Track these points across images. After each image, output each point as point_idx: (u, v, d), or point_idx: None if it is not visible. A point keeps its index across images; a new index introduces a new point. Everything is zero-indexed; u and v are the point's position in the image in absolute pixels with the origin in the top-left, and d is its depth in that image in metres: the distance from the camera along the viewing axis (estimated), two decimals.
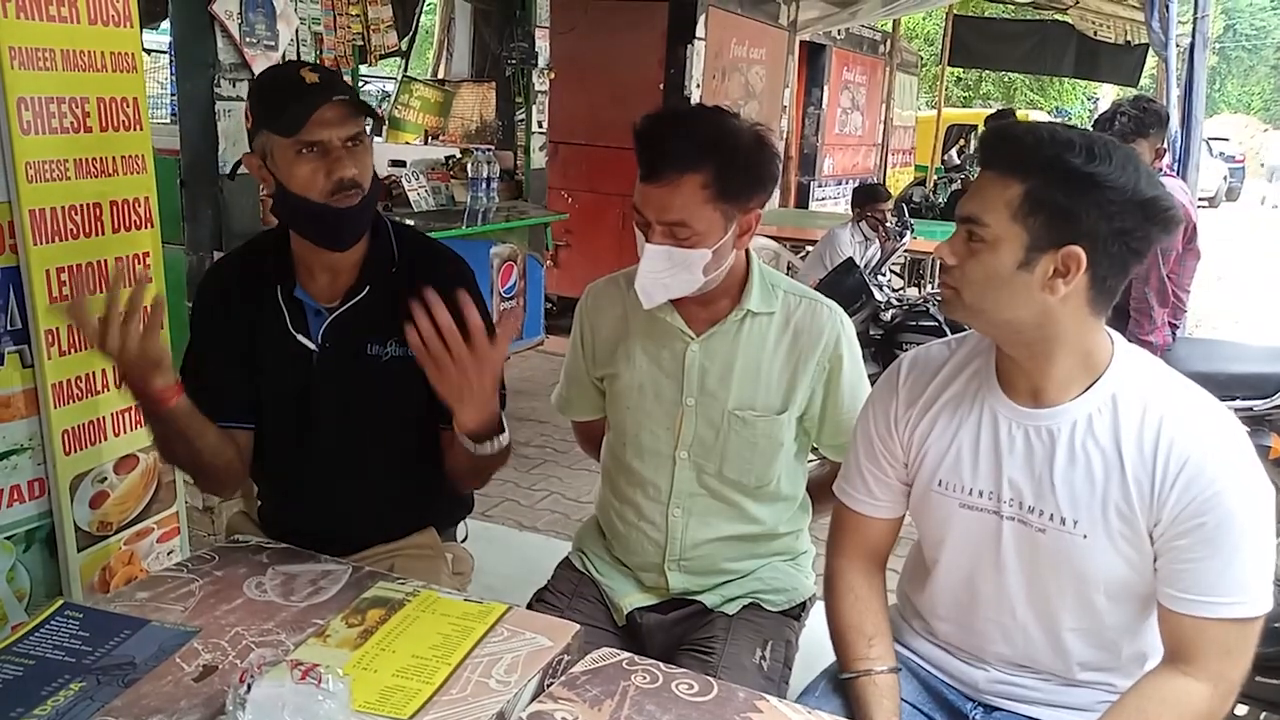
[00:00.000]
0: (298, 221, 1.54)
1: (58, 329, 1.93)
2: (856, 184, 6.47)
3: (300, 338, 1.58)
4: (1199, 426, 1.18)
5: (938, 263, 1.27)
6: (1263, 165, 24.77)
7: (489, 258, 4.64)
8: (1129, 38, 8.88)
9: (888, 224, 5.22)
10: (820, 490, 1.75)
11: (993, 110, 12.05)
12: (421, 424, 1.62)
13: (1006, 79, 20.12)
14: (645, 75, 6.48)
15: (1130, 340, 1.28)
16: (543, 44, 5.04)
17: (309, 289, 1.59)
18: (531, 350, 5.15)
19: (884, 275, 5.09)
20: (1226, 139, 23.70)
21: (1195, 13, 4.71)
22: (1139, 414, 1.20)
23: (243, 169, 1.59)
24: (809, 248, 6.32)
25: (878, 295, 4.67)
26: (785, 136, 8.46)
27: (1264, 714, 2.04)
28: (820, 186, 9.70)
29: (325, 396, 1.60)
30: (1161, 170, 3.59)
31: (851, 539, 1.46)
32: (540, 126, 5.18)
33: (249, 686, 1.03)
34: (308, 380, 1.59)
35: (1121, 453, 1.20)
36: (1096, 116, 3.63)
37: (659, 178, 1.45)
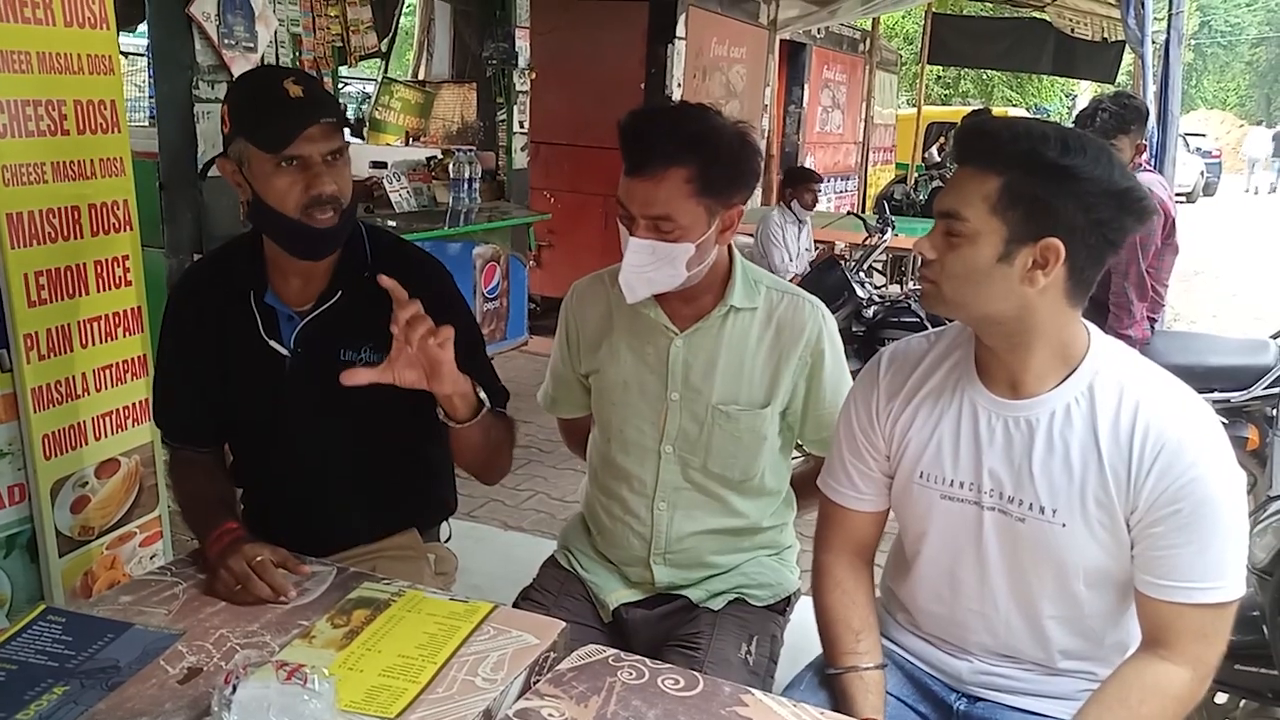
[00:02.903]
0: (272, 232, 1.53)
1: (37, 333, 1.92)
2: (788, 168, 6.70)
3: (272, 343, 1.57)
4: (1174, 414, 1.20)
5: (918, 259, 1.28)
6: (1243, 157, 25.08)
7: (472, 258, 4.63)
8: (1106, 35, 8.95)
9: (876, 251, 5.35)
10: (804, 485, 1.76)
11: (971, 109, 12.12)
12: (398, 428, 1.62)
13: (985, 77, 20.23)
14: (626, 75, 6.47)
15: (1109, 334, 1.30)
16: (523, 44, 5.03)
17: (281, 293, 1.58)
18: (515, 350, 5.15)
19: (865, 273, 5.13)
20: (1203, 135, 23.95)
21: (1170, 9, 4.75)
22: (1115, 403, 1.22)
23: (214, 170, 1.58)
24: None
25: (860, 292, 4.70)
26: (766, 135, 8.48)
27: (1243, 701, 2.07)
28: None
29: (299, 402, 1.58)
30: (1140, 166, 3.62)
31: (838, 533, 1.46)
32: (522, 127, 5.17)
33: (234, 687, 1.03)
34: (281, 386, 1.58)
35: (1098, 441, 1.22)
36: (1078, 113, 3.66)
37: (644, 171, 1.45)
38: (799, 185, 5.63)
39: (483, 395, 1.48)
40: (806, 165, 6.65)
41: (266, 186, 1.46)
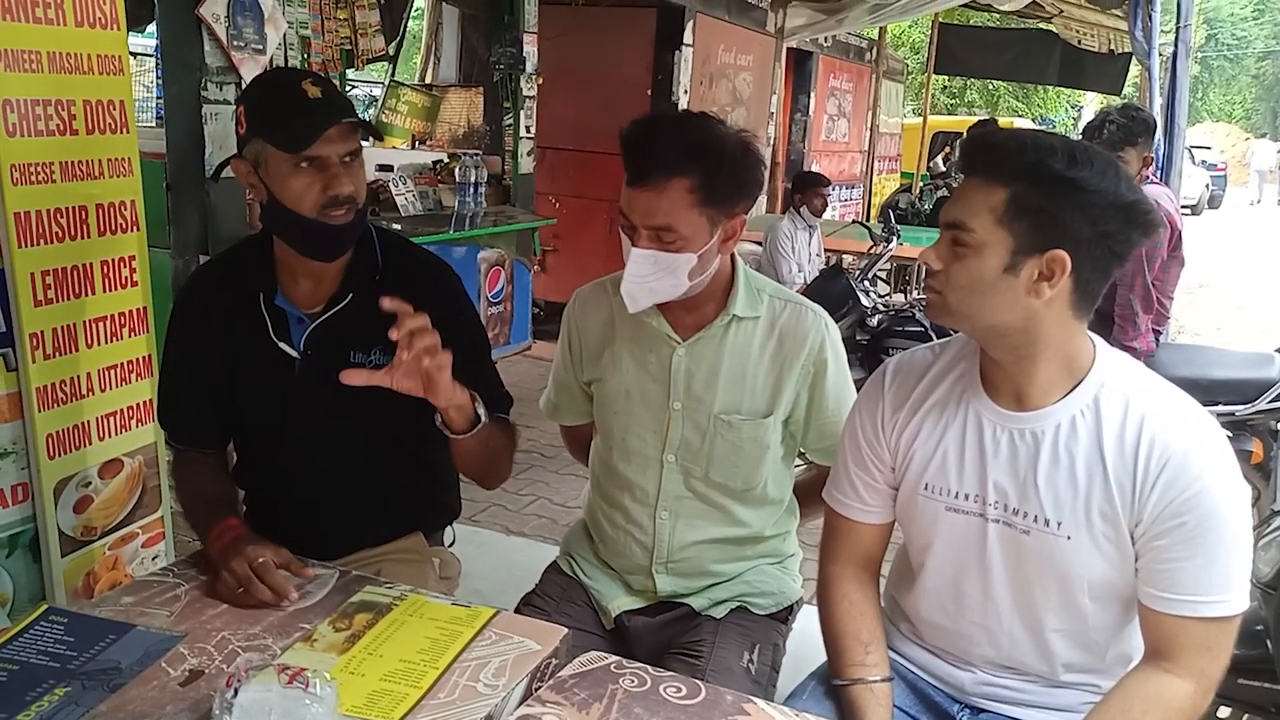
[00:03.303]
0: (286, 232, 1.53)
1: (42, 332, 1.93)
2: (798, 172, 6.64)
3: (282, 345, 1.57)
4: (1179, 427, 1.20)
5: (923, 268, 1.28)
6: (1249, 167, 25.19)
7: (476, 263, 4.64)
8: (1112, 46, 8.96)
9: (880, 260, 5.30)
10: (807, 494, 1.75)
11: (977, 119, 12.12)
12: (406, 431, 1.62)
13: (991, 87, 20.24)
14: (633, 81, 6.49)
15: (1114, 346, 1.30)
16: (530, 49, 5.04)
17: (291, 295, 1.58)
18: (519, 355, 5.15)
19: (869, 282, 5.13)
20: (1209, 148, 23.95)
21: (1178, 22, 4.76)
22: (1120, 415, 1.22)
23: (226, 172, 1.58)
24: None
25: (864, 301, 4.69)
26: (772, 143, 8.49)
27: (1246, 715, 2.06)
28: None
29: (307, 404, 1.58)
30: (1147, 178, 3.62)
31: (844, 545, 1.46)
32: (528, 132, 5.18)
33: (235, 691, 1.03)
34: (290, 388, 1.58)
35: (1104, 454, 1.21)
36: (1085, 125, 3.65)
37: (646, 181, 1.45)
38: (807, 190, 5.59)
39: (480, 409, 1.48)
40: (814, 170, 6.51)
41: (283, 187, 1.46)
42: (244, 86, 3.11)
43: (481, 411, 1.48)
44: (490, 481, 1.68)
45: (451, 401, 1.42)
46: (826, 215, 6.85)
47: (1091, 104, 17.96)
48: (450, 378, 1.39)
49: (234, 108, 3.02)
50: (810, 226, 5.59)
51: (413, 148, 5.70)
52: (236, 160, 1.53)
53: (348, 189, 1.47)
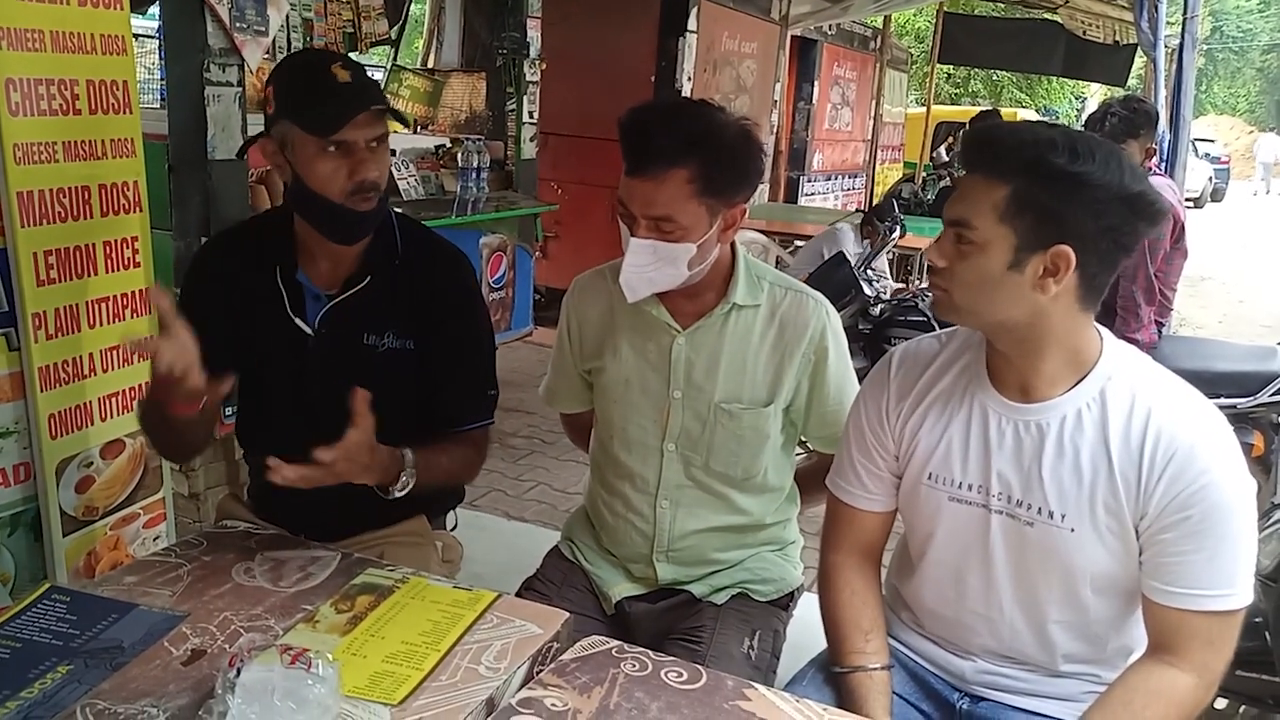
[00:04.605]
0: (310, 214, 1.54)
1: (45, 312, 1.92)
2: (887, 198, 6.44)
3: (297, 321, 1.58)
4: (1186, 420, 1.20)
5: (927, 259, 1.27)
6: (1254, 160, 25.27)
7: (478, 248, 4.62)
8: (1118, 37, 8.91)
9: (885, 249, 5.24)
10: (808, 481, 1.76)
11: (980, 109, 12.07)
12: (410, 415, 1.62)
13: (995, 77, 20.14)
14: (637, 67, 6.46)
15: (1116, 338, 1.30)
16: (534, 34, 5.01)
17: (309, 273, 1.59)
18: (520, 341, 5.14)
19: (873, 271, 5.11)
20: (1212, 140, 23.92)
21: (1184, 13, 4.73)
22: (1127, 408, 1.21)
23: (220, 154, 1.58)
24: (798, 242, 6.34)
25: (867, 290, 4.68)
26: (775, 131, 8.46)
27: (1243, 707, 2.07)
28: (809, 181, 9.70)
29: (318, 381, 1.59)
30: (1151, 170, 3.61)
31: (846, 533, 1.46)
32: (531, 117, 5.15)
33: (238, 670, 1.03)
34: (302, 364, 1.59)
35: (1109, 447, 1.21)
36: (1087, 116, 3.64)
37: (644, 172, 1.44)
38: (879, 231, 5.32)
39: (406, 473, 1.50)
40: (899, 217, 6.06)
41: (309, 170, 1.47)
42: (245, 68, 3.11)
43: (405, 476, 1.50)
44: (455, 487, 1.77)
45: (373, 481, 1.46)
46: (829, 204, 6.77)
47: (1096, 95, 17.90)
48: (366, 462, 1.41)
49: (238, 89, 3.01)
50: (865, 255, 5.48)
51: (414, 132, 5.66)
52: (264, 140, 1.54)
53: (373, 174, 1.48)
